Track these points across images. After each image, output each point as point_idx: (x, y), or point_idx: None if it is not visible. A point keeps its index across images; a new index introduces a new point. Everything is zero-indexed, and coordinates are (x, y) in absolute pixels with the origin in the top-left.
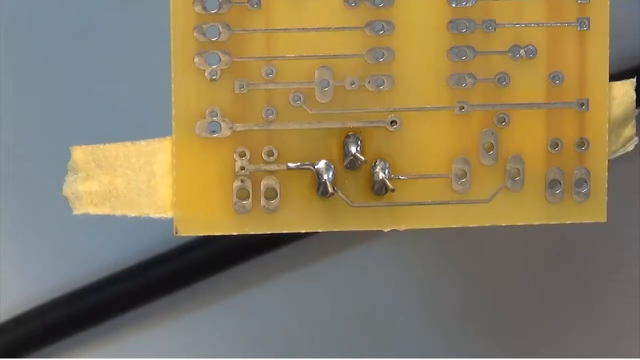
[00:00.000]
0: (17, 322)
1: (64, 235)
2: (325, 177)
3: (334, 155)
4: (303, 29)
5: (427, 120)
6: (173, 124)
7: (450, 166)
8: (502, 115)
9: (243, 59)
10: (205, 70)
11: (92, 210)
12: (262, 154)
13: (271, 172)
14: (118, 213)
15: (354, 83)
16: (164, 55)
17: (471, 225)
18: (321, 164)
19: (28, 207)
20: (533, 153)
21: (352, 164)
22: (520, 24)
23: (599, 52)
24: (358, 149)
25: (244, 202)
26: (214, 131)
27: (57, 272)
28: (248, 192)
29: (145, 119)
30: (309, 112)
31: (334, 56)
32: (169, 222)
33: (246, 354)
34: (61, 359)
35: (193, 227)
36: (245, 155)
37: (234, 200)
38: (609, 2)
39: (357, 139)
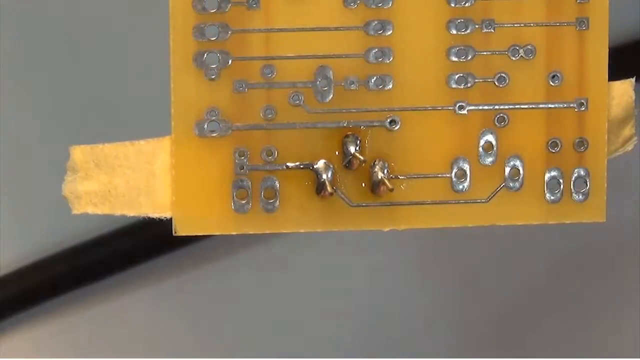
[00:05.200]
0: None
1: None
2: (324, 176)
3: (333, 155)
4: (302, 28)
5: (426, 120)
6: (172, 123)
7: (450, 166)
8: (501, 115)
9: (242, 59)
10: (204, 70)
11: (91, 210)
12: (261, 154)
13: (270, 172)
14: (117, 213)
15: (353, 83)
16: (164, 55)
17: (470, 225)
18: (320, 164)
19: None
20: (532, 153)
21: (351, 164)
22: (520, 24)
23: (598, 51)
24: (357, 148)
25: (243, 202)
26: (213, 131)
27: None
28: (247, 191)
29: (145, 118)
30: (308, 112)
31: (333, 56)
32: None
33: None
34: None
35: (192, 227)
36: (244, 155)
37: (233, 200)
38: (608, 2)
39: (356, 138)
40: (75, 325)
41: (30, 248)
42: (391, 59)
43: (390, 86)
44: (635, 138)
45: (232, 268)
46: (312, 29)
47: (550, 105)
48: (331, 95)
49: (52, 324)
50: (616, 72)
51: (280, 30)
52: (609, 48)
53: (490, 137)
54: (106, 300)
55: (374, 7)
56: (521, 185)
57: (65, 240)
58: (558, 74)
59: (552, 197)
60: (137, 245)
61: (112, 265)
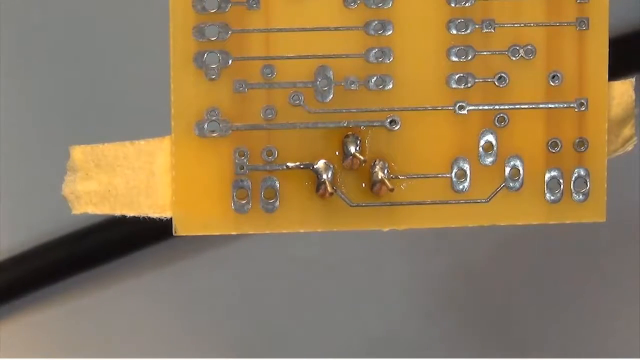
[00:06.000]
0: None
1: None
2: (324, 176)
3: (333, 155)
4: (302, 28)
5: (426, 120)
6: (172, 123)
7: (450, 166)
8: (501, 115)
9: (242, 59)
10: (204, 70)
11: (91, 210)
12: (262, 154)
13: (270, 172)
14: (117, 213)
15: (353, 83)
16: (164, 55)
17: (470, 225)
18: (320, 164)
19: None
20: (532, 153)
21: (352, 164)
22: (520, 24)
23: (598, 51)
24: (357, 148)
25: (243, 202)
26: (213, 131)
27: None
28: (247, 192)
29: (145, 118)
30: (309, 112)
31: (333, 56)
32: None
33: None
34: None
35: (192, 227)
36: (244, 155)
37: (233, 200)
38: (608, 2)
39: (356, 138)
40: (72, 312)
41: (26, 235)
42: (391, 59)
43: (390, 86)
44: (635, 138)
45: (232, 259)
46: (312, 29)
47: (550, 105)
48: (331, 95)
49: (49, 310)
50: (616, 64)
51: (280, 30)
52: (609, 40)
53: (490, 137)
54: (104, 287)
55: (374, 7)
56: (521, 185)
57: (62, 226)
58: (558, 74)
59: (552, 197)
60: (135, 232)
61: (110, 252)
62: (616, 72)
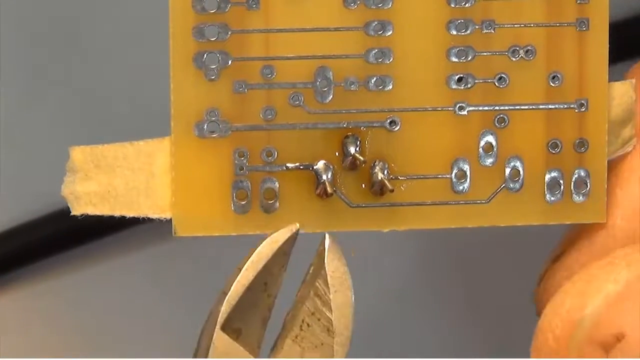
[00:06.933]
0: None
1: None
2: (324, 177)
3: (333, 155)
4: (302, 29)
5: (426, 121)
6: (172, 124)
7: (450, 167)
8: (501, 115)
9: (242, 59)
10: (204, 70)
11: (90, 211)
12: (261, 155)
13: (270, 173)
14: (117, 213)
15: (353, 83)
16: (164, 55)
17: (470, 226)
18: (320, 164)
19: None
20: (532, 154)
21: (351, 165)
22: (520, 25)
23: (598, 52)
24: (357, 149)
25: (243, 203)
26: (213, 131)
27: None
28: (247, 192)
29: (145, 119)
30: (308, 112)
31: (333, 56)
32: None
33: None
34: None
35: (192, 228)
36: (244, 155)
37: (232, 201)
38: (608, 3)
39: (356, 139)
40: (71, 311)
41: (15, 211)
42: (391, 59)
43: (390, 87)
44: (634, 139)
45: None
46: (312, 30)
47: (550, 106)
48: (331, 96)
49: (38, 286)
50: (616, 48)
51: (280, 30)
52: (610, 24)
53: (490, 138)
54: (103, 286)
55: (374, 7)
56: (521, 186)
57: (53, 203)
58: (558, 75)
59: (552, 198)
60: (134, 232)
61: (102, 228)
62: (618, 57)
